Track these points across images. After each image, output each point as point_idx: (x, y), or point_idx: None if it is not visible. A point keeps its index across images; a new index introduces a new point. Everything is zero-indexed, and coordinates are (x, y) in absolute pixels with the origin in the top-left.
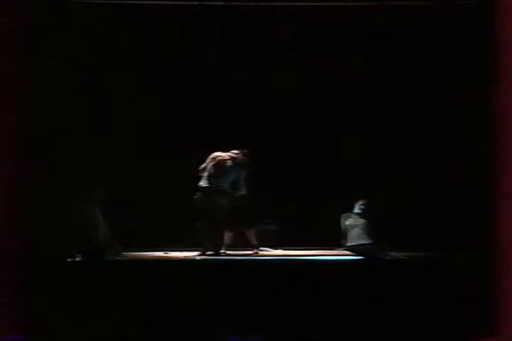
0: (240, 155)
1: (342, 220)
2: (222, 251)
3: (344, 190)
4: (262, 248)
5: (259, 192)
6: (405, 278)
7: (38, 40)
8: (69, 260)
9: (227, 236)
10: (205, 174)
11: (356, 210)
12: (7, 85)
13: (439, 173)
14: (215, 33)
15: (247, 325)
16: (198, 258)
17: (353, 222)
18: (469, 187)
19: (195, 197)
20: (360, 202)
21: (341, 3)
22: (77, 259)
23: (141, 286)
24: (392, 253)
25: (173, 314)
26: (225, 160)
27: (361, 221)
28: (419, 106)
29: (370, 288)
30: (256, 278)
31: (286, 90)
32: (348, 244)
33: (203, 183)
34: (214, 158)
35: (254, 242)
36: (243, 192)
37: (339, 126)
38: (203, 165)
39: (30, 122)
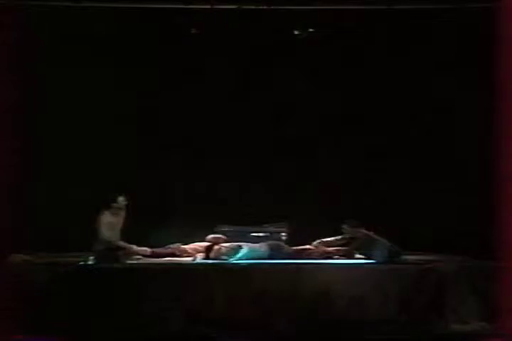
0: None
1: None
2: None
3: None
4: None
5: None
6: (407, 280)
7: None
8: (81, 263)
9: None
10: None
11: None
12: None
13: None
14: (227, 36)
15: None
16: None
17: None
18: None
19: None
20: None
21: (353, 7)
22: (89, 263)
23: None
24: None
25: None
26: None
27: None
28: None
29: (373, 289)
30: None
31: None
32: None
33: None
34: None
35: None
36: None
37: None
38: None
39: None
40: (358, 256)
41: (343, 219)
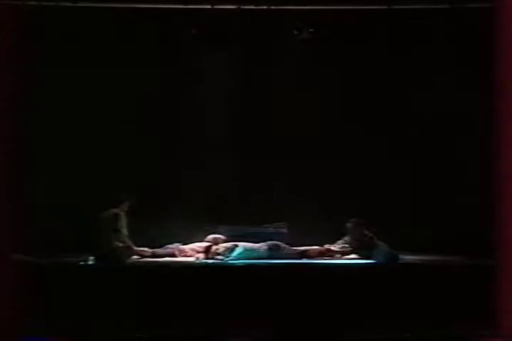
0: None
1: None
2: None
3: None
4: None
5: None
6: (408, 280)
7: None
8: (81, 263)
9: None
10: None
11: None
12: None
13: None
14: (226, 37)
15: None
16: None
17: None
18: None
19: None
20: None
21: (353, 7)
22: (90, 263)
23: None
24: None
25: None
26: None
27: None
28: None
29: (373, 289)
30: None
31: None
32: None
33: None
34: None
35: None
36: None
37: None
38: None
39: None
40: (356, 256)
41: (345, 219)
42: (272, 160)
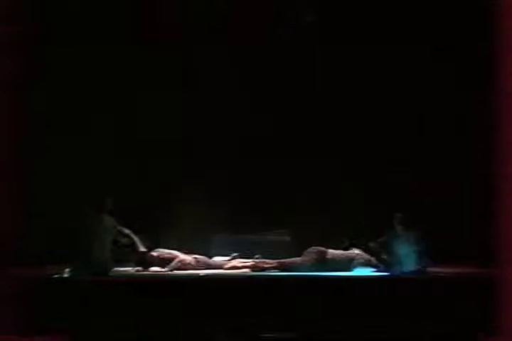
0: None
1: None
2: None
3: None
4: None
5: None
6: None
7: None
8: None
9: None
10: None
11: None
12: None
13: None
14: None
15: None
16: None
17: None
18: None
19: None
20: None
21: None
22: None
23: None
24: None
25: None
26: None
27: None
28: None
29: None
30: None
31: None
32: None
33: None
34: None
35: None
36: None
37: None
38: None
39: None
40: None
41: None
42: (274, 161)
